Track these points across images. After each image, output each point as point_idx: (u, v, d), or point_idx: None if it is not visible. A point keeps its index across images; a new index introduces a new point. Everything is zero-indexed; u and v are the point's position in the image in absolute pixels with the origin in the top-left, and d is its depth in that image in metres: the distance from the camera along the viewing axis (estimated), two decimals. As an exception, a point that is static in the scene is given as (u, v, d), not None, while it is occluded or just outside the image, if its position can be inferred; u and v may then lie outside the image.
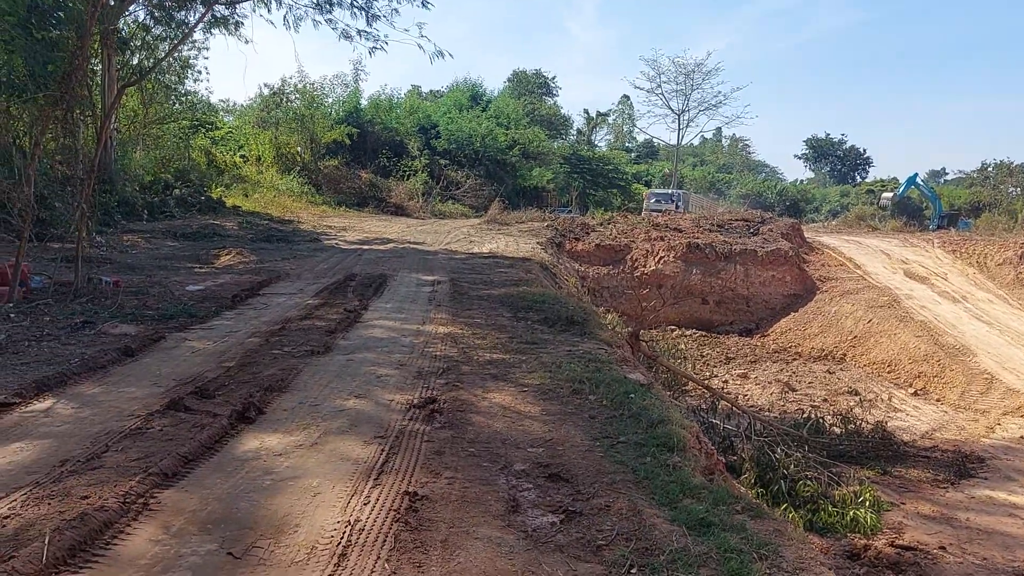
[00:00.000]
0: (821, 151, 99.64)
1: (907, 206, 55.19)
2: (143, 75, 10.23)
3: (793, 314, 25.34)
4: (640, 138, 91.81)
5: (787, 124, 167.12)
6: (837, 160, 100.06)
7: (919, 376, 18.95)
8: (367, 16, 10.74)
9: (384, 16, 10.72)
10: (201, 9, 10.20)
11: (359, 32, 11.16)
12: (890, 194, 54.37)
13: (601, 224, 30.46)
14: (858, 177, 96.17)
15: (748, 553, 3.60)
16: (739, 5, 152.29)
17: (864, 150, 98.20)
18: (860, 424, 13.91)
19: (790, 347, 23.65)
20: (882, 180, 68.04)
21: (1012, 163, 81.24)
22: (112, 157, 22.14)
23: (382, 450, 5.02)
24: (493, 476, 4.61)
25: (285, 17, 10.81)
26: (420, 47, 11.26)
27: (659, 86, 60.70)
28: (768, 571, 3.48)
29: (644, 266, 27.34)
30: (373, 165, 40.16)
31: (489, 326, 9.46)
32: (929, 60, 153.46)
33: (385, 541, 3.72)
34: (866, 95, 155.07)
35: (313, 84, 38.81)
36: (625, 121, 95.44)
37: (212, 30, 11.25)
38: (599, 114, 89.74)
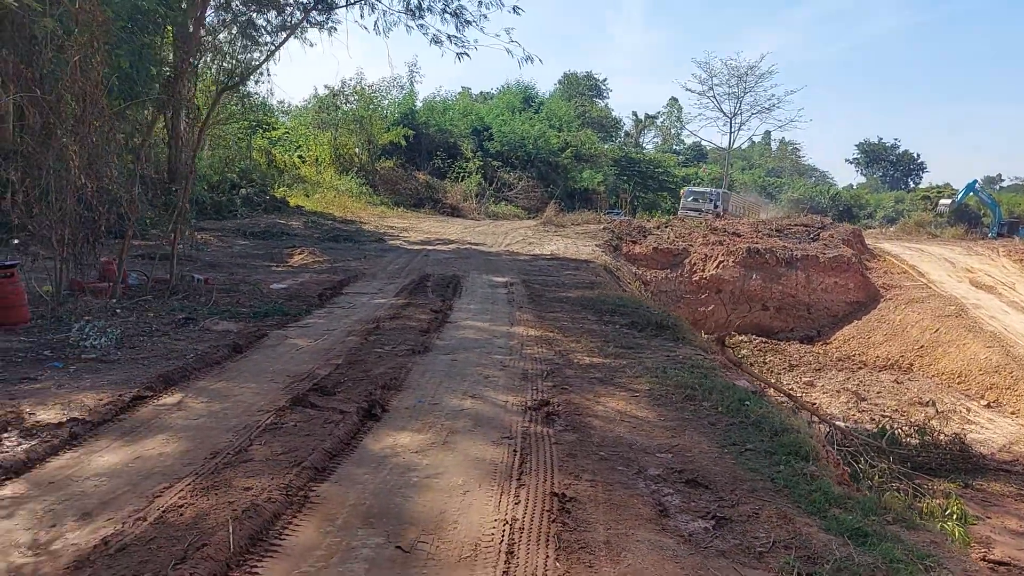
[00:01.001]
0: (873, 156, 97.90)
1: (965, 213, 53.90)
2: (243, 78, 10.56)
3: (856, 322, 24.99)
4: (688, 141, 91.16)
5: (838, 128, 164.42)
6: (889, 165, 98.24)
7: (991, 388, 18.57)
8: (457, 21, 10.95)
9: (474, 21, 10.93)
10: (299, 15, 10.51)
11: (449, 37, 11.37)
12: (948, 200, 53.20)
13: (658, 227, 30.36)
14: (911, 183, 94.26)
15: (914, 564, 3.65)
16: (791, 6, 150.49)
17: (918, 155, 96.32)
18: (937, 435, 13.71)
19: (854, 356, 23.33)
20: (937, 186, 66.55)
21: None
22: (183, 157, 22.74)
23: (514, 451, 5.15)
24: (631, 480, 4.71)
25: (376, 23, 11.07)
26: (509, 52, 11.43)
27: (711, 88, 60.15)
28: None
29: (703, 270, 27.17)
30: (428, 166, 40.55)
31: (578, 329, 9.57)
32: (984, 63, 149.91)
33: (548, 540, 3.84)
34: (920, 99, 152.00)
35: (371, 86, 39.30)
36: (673, 124, 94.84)
37: (304, 35, 11.61)
38: (647, 116, 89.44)
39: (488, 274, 15.88)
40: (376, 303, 11.76)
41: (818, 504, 4.39)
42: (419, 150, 42.08)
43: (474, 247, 22.56)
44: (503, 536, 3.92)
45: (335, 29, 11.02)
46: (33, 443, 5.24)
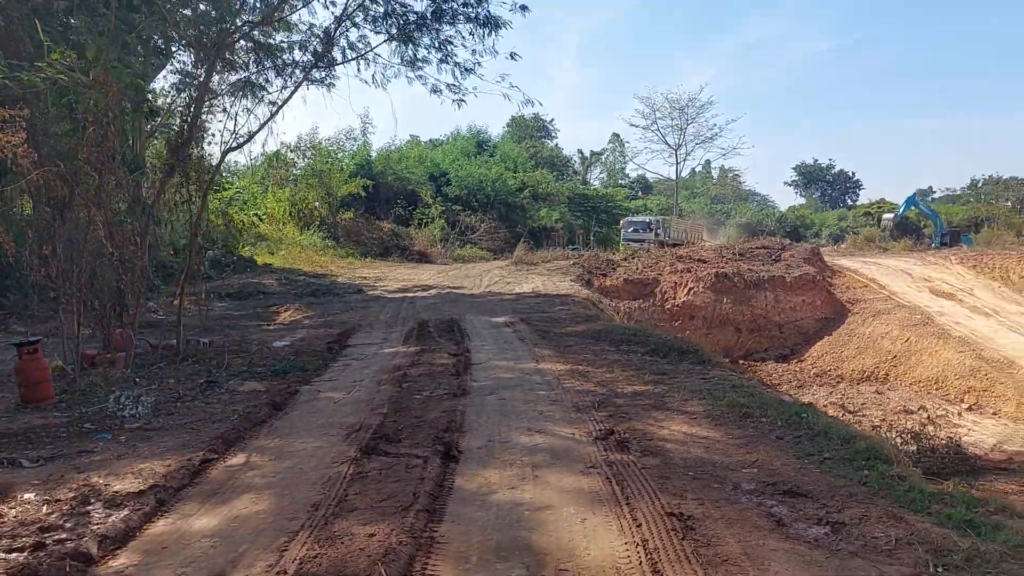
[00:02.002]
0: (811, 177, 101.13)
1: (907, 226, 56.06)
2: (247, 139, 10.68)
3: (827, 337, 25.72)
4: (633, 175, 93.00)
5: (774, 153, 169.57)
6: (827, 185, 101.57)
7: (969, 391, 19.28)
8: (456, 70, 11.27)
9: (472, 70, 11.25)
10: (299, 74, 10.70)
11: (448, 86, 11.67)
12: (890, 215, 55.29)
13: (625, 259, 30.90)
14: (849, 200, 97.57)
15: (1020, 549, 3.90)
16: (717, 38, 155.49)
17: (853, 173, 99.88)
18: (933, 440, 14.21)
19: (830, 370, 23.98)
20: (876, 202, 69.05)
21: (1001, 177, 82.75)
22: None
23: (607, 479, 5.30)
24: (732, 496, 4.90)
25: (374, 76, 11.32)
26: (507, 97, 11.76)
27: (655, 122, 61.89)
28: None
29: (674, 298, 27.72)
30: (390, 215, 40.72)
31: (604, 361, 9.78)
32: (906, 81, 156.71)
33: (688, 557, 3.99)
34: (850, 119, 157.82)
35: (329, 140, 39.50)
36: (617, 159, 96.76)
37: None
38: (593, 153, 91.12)
39: (484, 315, 16.03)
40: (388, 352, 11.82)
41: (919, 502, 4.64)
42: (378, 199, 42.24)
43: (455, 291, 22.70)
44: (640, 558, 4.06)
45: (333, 85, 11.28)
46: (124, 512, 5.22)
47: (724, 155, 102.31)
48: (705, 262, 29.80)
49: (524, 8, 11.13)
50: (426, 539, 4.45)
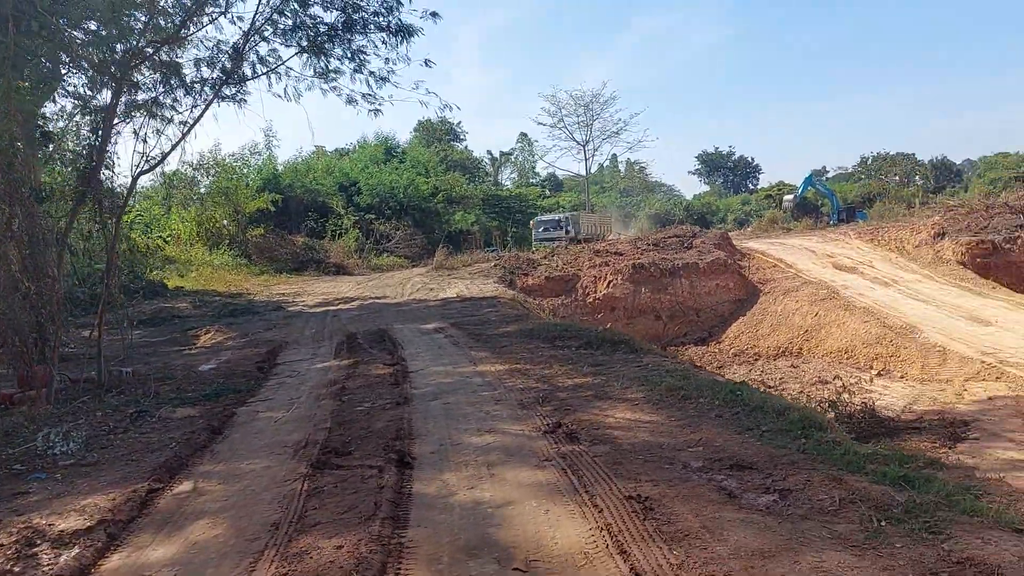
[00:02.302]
0: (713, 165, 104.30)
1: (806, 205, 58.47)
2: (160, 160, 10.33)
3: (742, 318, 26.65)
4: (543, 173, 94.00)
5: (678, 143, 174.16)
6: (728, 171, 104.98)
7: (877, 358, 20.32)
8: (370, 80, 11.18)
9: (386, 78, 11.19)
10: (209, 92, 10.42)
11: (363, 96, 11.59)
12: (791, 196, 57.51)
13: (545, 257, 31.29)
14: (750, 185, 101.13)
15: (965, 494, 4.25)
16: (615, 34, 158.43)
17: (752, 159, 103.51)
18: (849, 407, 14.94)
19: (747, 349, 24.86)
20: (777, 185, 71.77)
21: (889, 153, 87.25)
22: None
23: (563, 469, 5.45)
24: (683, 474, 5.13)
25: (286, 89, 11.15)
26: (424, 104, 11.73)
27: (561, 120, 62.75)
28: (992, 504, 4.13)
29: (595, 291, 28.25)
30: (303, 228, 40.06)
31: (540, 358, 9.96)
32: (796, 66, 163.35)
33: (652, 535, 4.18)
34: (746, 106, 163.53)
35: (233, 156, 38.60)
36: (527, 158, 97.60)
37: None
38: (502, 154, 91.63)
39: (412, 323, 16.02)
40: (321, 367, 11.71)
41: (855, 464, 4.96)
42: (289, 213, 41.50)
43: (379, 301, 22.57)
44: (606, 541, 4.23)
45: (245, 101, 11.05)
46: (75, 551, 5.08)
47: (630, 148, 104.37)
48: (621, 254, 30.45)
49: (435, 15, 11.20)
50: (395, 545, 4.50)
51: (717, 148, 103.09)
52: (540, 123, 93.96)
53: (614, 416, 6.71)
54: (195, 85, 10.39)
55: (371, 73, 11.43)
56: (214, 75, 10.55)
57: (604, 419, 6.66)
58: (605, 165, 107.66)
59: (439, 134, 66.65)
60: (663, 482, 4.95)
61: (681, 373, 7.92)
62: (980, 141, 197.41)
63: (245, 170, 41.05)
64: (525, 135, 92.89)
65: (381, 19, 11.04)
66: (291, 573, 4.26)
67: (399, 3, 10.74)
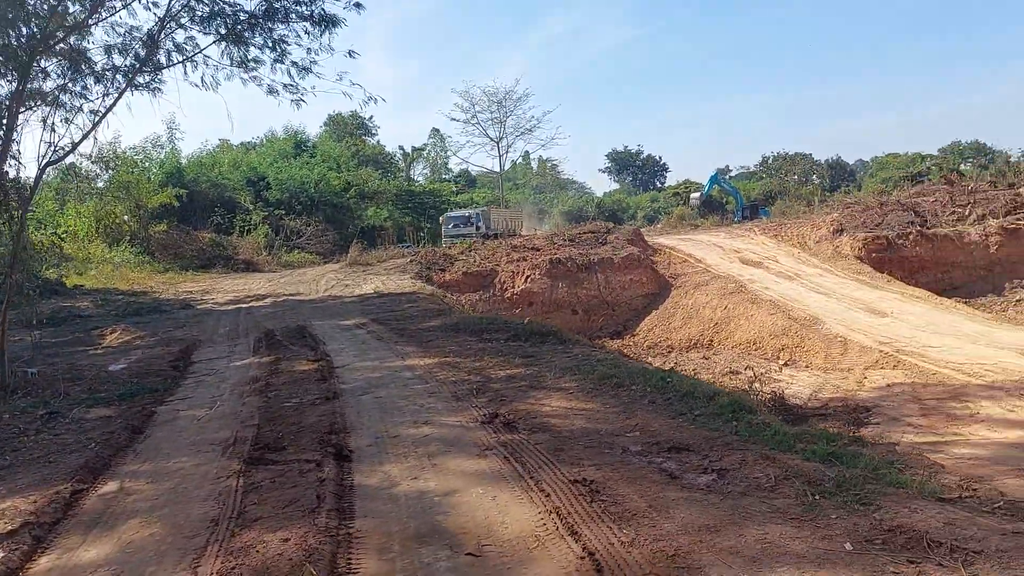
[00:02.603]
0: (622, 163, 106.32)
1: (711, 203, 60.35)
2: (67, 152, 9.80)
3: (655, 311, 27.33)
4: (456, 168, 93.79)
5: (588, 141, 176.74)
6: (637, 169, 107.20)
7: (783, 348, 21.18)
8: (292, 71, 10.86)
9: (308, 68, 10.88)
10: (121, 80, 9.92)
11: (284, 86, 11.27)
12: (697, 194, 59.24)
13: (463, 253, 31.30)
14: (658, 183, 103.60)
15: (889, 468, 4.51)
16: (523, 32, 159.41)
17: (660, 157, 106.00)
18: (760, 396, 15.55)
19: (661, 342, 25.52)
20: (684, 183, 73.73)
21: (788, 153, 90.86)
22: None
23: (505, 457, 5.51)
24: (624, 458, 5.26)
25: (203, 78, 10.73)
26: (348, 96, 11.48)
27: (474, 116, 62.79)
28: (915, 477, 4.41)
29: (513, 286, 28.45)
30: (209, 224, 38.79)
31: (469, 351, 9.98)
32: (699, 67, 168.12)
33: (601, 516, 4.28)
34: (652, 105, 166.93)
35: (134, 148, 37.04)
36: (439, 154, 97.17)
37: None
38: (414, 149, 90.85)
39: (332, 319, 15.78)
40: (240, 364, 11.42)
41: (785, 443, 5.20)
42: (194, 209, 40.14)
43: (293, 298, 22.13)
44: (556, 524, 4.30)
45: (160, 90, 10.57)
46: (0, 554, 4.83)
47: (544, 146, 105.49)
48: (538, 250, 30.77)
49: (359, 5, 11.03)
50: (344, 536, 4.46)
51: (626, 147, 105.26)
52: (454, 119, 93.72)
53: (550, 405, 6.82)
54: (106, 73, 9.93)
55: (293, 63, 11.19)
56: (127, 63, 10.11)
57: (540, 408, 6.76)
58: (518, 162, 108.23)
59: (350, 128, 65.64)
60: (606, 466, 5.07)
61: (611, 362, 8.10)
62: (872, 142, 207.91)
63: (147, 164, 39.42)
64: (437, 130, 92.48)
65: (303, 8, 10.82)
66: (238, 567, 4.17)
67: (324, -8, 10.56)
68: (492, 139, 63.82)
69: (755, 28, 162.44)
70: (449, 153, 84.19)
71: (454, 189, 65.30)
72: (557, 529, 4.24)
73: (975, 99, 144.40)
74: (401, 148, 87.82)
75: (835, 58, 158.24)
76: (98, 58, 9.93)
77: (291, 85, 11.35)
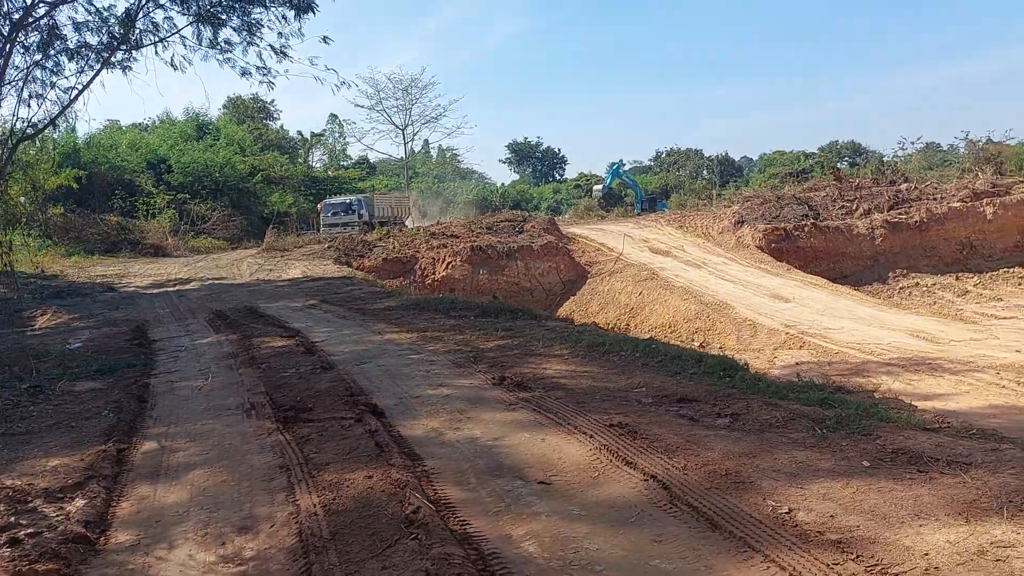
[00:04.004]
0: (522, 154, 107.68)
1: (611, 195, 62.31)
2: (40, 130, 9.64)
3: (573, 298, 28.41)
4: (355, 155, 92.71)
5: (488, 132, 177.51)
6: (537, 161, 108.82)
7: (697, 331, 22.60)
8: (266, 54, 10.99)
9: (284, 53, 11.04)
10: (93, 58, 9.83)
11: (257, 68, 11.39)
12: (599, 186, 61.03)
13: (381, 239, 31.49)
14: (557, 175, 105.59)
15: (876, 408, 5.45)
16: (419, 19, 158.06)
17: (559, 150, 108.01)
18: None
19: (580, 326, 26.60)
20: (587, 176, 75.70)
21: (680, 149, 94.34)
22: None
23: (535, 410, 6.18)
24: (643, 408, 6.03)
25: (173, 58, 10.71)
26: (319, 80, 11.60)
27: (379, 103, 62.50)
28: (899, 415, 5.36)
29: (434, 273, 28.90)
30: (111, 207, 37.38)
31: (445, 327, 10.56)
32: (593, 61, 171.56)
33: (646, 449, 5.03)
34: (549, 97, 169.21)
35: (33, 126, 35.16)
36: (337, 140, 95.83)
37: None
38: (313, 135, 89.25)
39: (276, 301, 15.96)
40: (206, 342, 11.60)
41: (781, 393, 6.10)
42: (94, 192, 38.51)
43: (219, 282, 21.97)
44: (610, 457, 5.02)
45: (130, 68, 10.51)
46: (81, 501, 5.13)
47: (450, 134, 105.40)
48: (457, 237, 31.30)
49: (332, -8, 11.26)
50: (421, 472, 5.03)
51: (526, 138, 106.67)
52: (358, 105, 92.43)
53: (551, 368, 7.53)
54: (81, 50, 9.89)
55: (271, 47, 11.38)
56: (102, 40, 10.08)
57: (543, 371, 7.46)
58: (418, 151, 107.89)
59: (251, 112, 64.06)
60: (631, 413, 5.83)
61: (593, 331, 8.89)
62: (756, 140, 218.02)
63: (47, 143, 37.53)
64: (335, 116, 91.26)
65: (282, -9, 11.02)
66: (337, 498, 4.69)
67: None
68: (397, 126, 63.74)
69: (645, 27, 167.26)
70: (349, 140, 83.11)
71: (359, 175, 64.63)
72: (612, 461, 4.96)
73: (852, 102, 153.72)
74: (300, 133, 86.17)
75: (724, 59, 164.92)
76: (73, 35, 9.89)
77: (263, 68, 11.55)
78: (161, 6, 10.46)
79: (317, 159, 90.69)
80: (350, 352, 9.48)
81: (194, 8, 10.46)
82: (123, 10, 10.13)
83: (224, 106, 65.45)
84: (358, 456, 5.46)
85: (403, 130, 63.97)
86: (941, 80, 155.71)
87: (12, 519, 4.97)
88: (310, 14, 11.13)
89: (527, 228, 32.57)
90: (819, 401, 5.84)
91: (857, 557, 3.42)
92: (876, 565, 3.33)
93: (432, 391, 7.15)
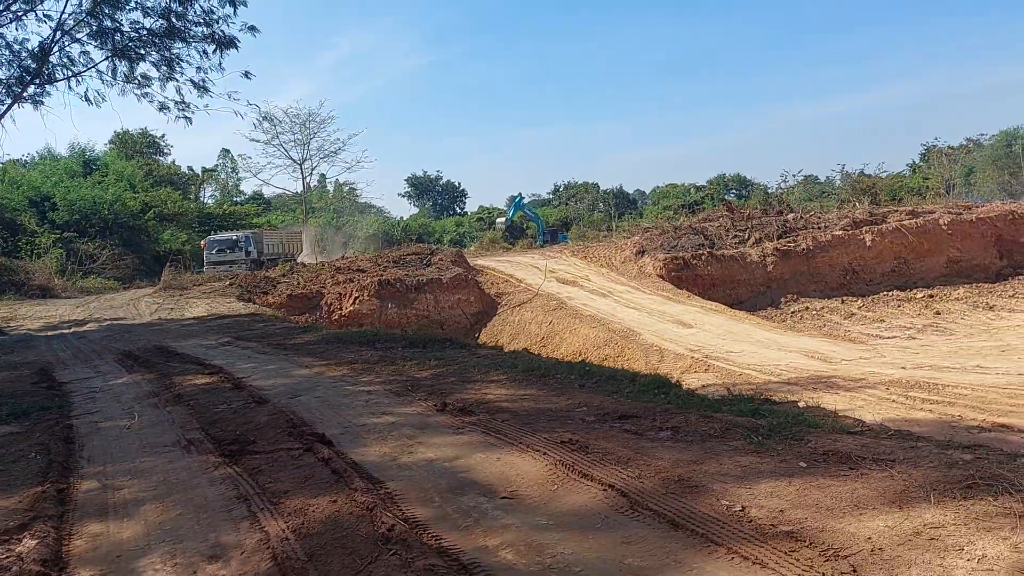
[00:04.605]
0: (422, 188, 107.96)
1: (514, 228, 63.38)
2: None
3: (485, 329, 28.72)
4: (248, 191, 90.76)
5: (385, 166, 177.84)
6: (437, 194, 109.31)
7: (607, 358, 23.22)
8: (183, 88, 10.79)
9: (205, 87, 10.89)
10: (6, 94, 9.46)
11: (176, 104, 11.17)
12: (502, 219, 61.96)
13: (284, 275, 31.05)
14: (457, 208, 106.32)
15: (801, 416, 5.93)
16: (313, 55, 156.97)
17: (459, 183, 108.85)
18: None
19: (490, 357, 26.87)
20: (489, 209, 76.61)
21: (577, 182, 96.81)
22: None
23: (484, 432, 6.36)
24: (587, 426, 6.31)
25: (87, 92, 10.37)
26: (239, 114, 11.53)
27: (276, 137, 61.69)
28: (824, 421, 5.85)
29: (340, 308, 28.69)
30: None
31: (374, 359, 10.60)
32: (486, 96, 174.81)
33: (600, 462, 5.30)
34: (447, 132, 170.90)
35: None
36: (229, 175, 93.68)
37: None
38: (204, 170, 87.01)
39: (186, 340, 15.56)
40: (123, 382, 11.24)
41: (714, 407, 6.52)
42: (-32, 230, 36.50)
43: (120, 322, 21.19)
44: (567, 471, 5.27)
45: (42, 102, 10.13)
46: (31, 542, 4.96)
47: (349, 168, 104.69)
48: (364, 271, 31.20)
49: (254, 29, 11.30)
50: (385, 494, 5.13)
51: (426, 172, 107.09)
52: (253, 139, 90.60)
53: (491, 393, 7.74)
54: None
55: (192, 82, 11.27)
56: (13, 75, 9.77)
57: (484, 396, 7.66)
58: (314, 185, 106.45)
59: (140, 147, 61.95)
60: (578, 431, 6.11)
61: (526, 357, 9.16)
62: (646, 174, 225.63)
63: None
64: (228, 151, 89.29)
65: (203, 28, 10.95)
66: (306, 523, 4.74)
67: (225, 17, 10.74)
68: (295, 161, 62.90)
69: (539, 63, 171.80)
70: (244, 175, 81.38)
71: (256, 211, 63.33)
72: (568, 474, 5.21)
73: (736, 136, 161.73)
74: (190, 168, 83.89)
75: (619, 95, 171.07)
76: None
77: (181, 103, 11.42)
78: (77, 40, 10.26)
79: (209, 195, 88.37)
80: (282, 386, 9.42)
81: (110, 43, 10.29)
82: (37, 44, 9.87)
83: (111, 141, 63.04)
84: (316, 483, 5.51)
85: (301, 165, 63.00)
86: (817, 115, 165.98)
87: (-43, 564, 4.80)
88: (232, 49, 11.14)
89: (435, 261, 32.77)
90: (751, 412, 6.29)
91: (810, 544, 3.78)
92: (828, 549, 3.70)
93: (376, 419, 7.24)
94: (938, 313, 26.49)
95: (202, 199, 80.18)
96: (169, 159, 67.54)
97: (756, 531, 4.00)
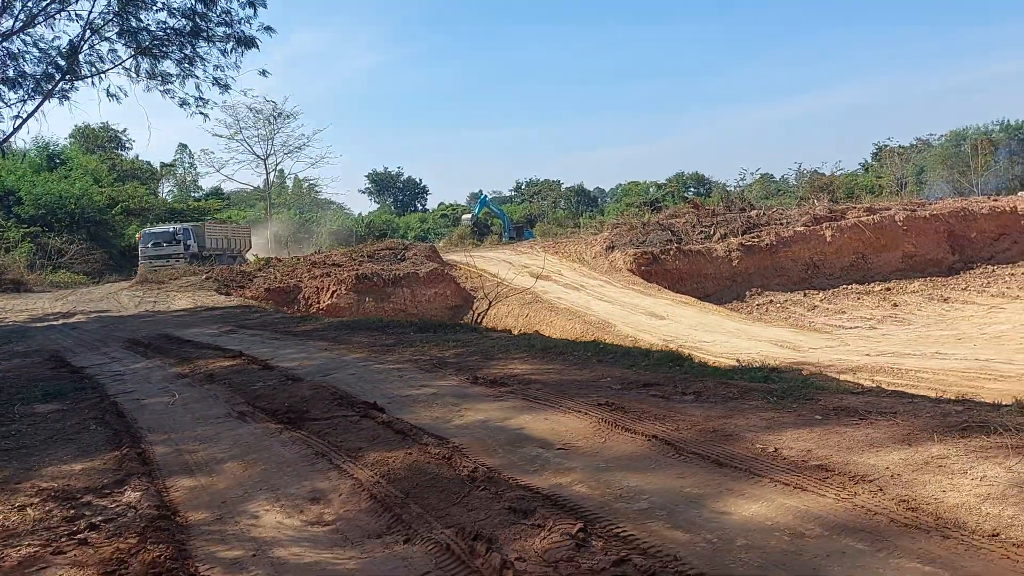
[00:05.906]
0: (383, 184, 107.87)
1: (479, 225, 63.95)
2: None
3: (462, 322, 29.32)
4: (207, 186, 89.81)
5: (346, 161, 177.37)
6: (398, 191, 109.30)
7: (584, 348, 24.11)
8: (204, 86, 11.25)
9: (228, 86, 11.36)
10: (31, 87, 9.81)
11: (195, 100, 11.61)
12: (468, 216, 62.50)
13: (261, 269, 31.32)
14: (419, 204, 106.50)
15: (808, 381, 6.75)
16: (265, 50, 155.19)
17: (420, 180, 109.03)
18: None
19: (469, 349, 27.53)
20: (452, 205, 77.05)
21: (539, 179, 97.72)
22: None
23: (524, 398, 7.07)
24: (616, 393, 7.04)
25: (108, 89, 10.76)
26: (254, 111, 11.96)
27: (240, 132, 61.44)
28: (829, 384, 6.68)
29: (318, 302, 29.07)
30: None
31: (390, 343, 11.21)
32: (452, 94, 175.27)
33: (638, 419, 6.05)
34: (408, 128, 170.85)
35: None
36: (187, 171, 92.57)
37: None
38: (163, 165, 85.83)
39: (186, 329, 15.95)
40: (143, 366, 11.68)
41: (727, 376, 7.31)
42: (-66, 224, 36.00)
43: (107, 314, 21.40)
44: (610, 427, 6.01)
45: (68, 98, 10.50)
46: (134, 493, 5.53)
47: (314, 164, 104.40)
48: (340, 266, 31.60)
49: (269, 29, 11.82)
50: (453, 447, 5.81)
51: (387, 168, 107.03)
52: (217, 135, 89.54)
53: (517, 368, 8.45)
54: (20, 80, 9.95)
55: (213, 79, 11.74)
56: (45, 71, 10.15)
57: (511, 371, 8.36)
58: (274, 182, 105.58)
59: (102, 141, 61.16)
60: (611, 396, 6.86)
61: (540, 337, 9.88)
62: (605, 172, 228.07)
63: None
64: (185, 146, 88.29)
65: (225, 29, 11.42)
66: (391, 471, 5.40)
67: (247, 18, 11.23)
68: (259, 156, 62.72)
69: (500, 62, 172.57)
70: (206, 170, 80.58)
71: (222, 206, 62.96)
72: (613, 429, 5.95)
73: (692, 136, 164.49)
74: (148, 164, 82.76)
75: (582, 94, 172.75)
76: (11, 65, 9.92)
77: (200, 99, 11.90)
78: (107, 38, 10.67)
79: (167, 190, 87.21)
80: (310, 366, 9.99)
81: (135, 42, 10.71)
82: (67, 42, 10.27)
83: (71, 135, 62.10)
84: (385, 441, 6.16)
85: (264, 160, 62.81)
86: (771, 116, 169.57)
87: (72, 512, 5.34)
88: (251, 49, 11.64)
89: (409, 256, 33.31)
90: (763, 379, 7.10)
91: (839, 473, 4.57)
92: (855, 476, 4.50)
93: (416, 391, 7.90)
94: (896, 305, 27.90)
95: (160, 194, 79.31)
96: (131, 154, 66.77)
97: (791, 465, 4.78)
